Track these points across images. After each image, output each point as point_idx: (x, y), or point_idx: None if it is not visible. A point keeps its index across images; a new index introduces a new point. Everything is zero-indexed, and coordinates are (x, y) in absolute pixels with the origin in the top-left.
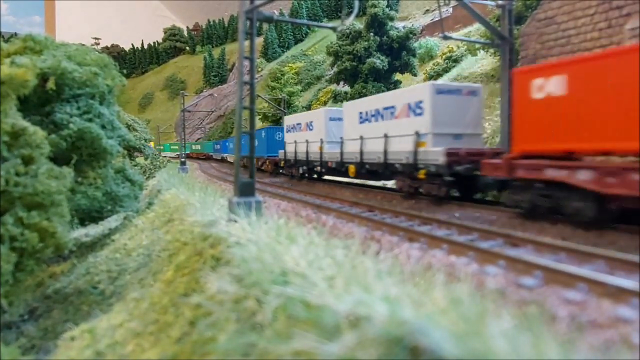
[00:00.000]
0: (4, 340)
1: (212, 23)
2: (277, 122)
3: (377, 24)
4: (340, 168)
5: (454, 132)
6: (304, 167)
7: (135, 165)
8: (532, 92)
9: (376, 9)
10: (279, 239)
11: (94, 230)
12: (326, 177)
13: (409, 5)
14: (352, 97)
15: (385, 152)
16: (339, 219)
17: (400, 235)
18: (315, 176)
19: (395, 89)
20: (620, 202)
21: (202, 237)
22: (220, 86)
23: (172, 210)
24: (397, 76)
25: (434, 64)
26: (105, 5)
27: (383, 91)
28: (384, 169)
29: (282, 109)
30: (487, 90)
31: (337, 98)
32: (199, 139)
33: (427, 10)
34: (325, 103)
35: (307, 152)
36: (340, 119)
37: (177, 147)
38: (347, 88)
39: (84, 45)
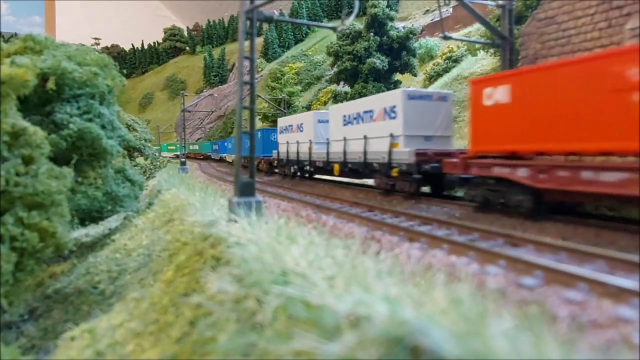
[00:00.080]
0: (4, 340)
1: (212, 23)
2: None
3: (377, 24)
4: (327, 167)
5: (424, 134)
6: (295, 167)
7: (135, 166)
8: (483, 99)
9: (376, 9)
10: (279, 239)
11: (94, 230)
12: (323, 176)
13: (409, 6)
14: (353, 97)
15: (365, 152)
16: (339, 219)
17: (400, 235)
18: (306, 175)
19: (395, 89)
20: (551, 195)
21: (203, 237)
22: (220, 86)
23: (172, 210)
24: (397, 76)
25: (434, 64)
26: (106, 6)
27: (383, 91)
28: (364, 168)
29: (282, 109)
30: None
31: (337, 98)
32: (199, 139)
33: (427, 10)
34: (325, 103)
35: (297, 152)
36: (327, 121)
37: (174, 147)
38: (347, 88)
39: (84, 45)
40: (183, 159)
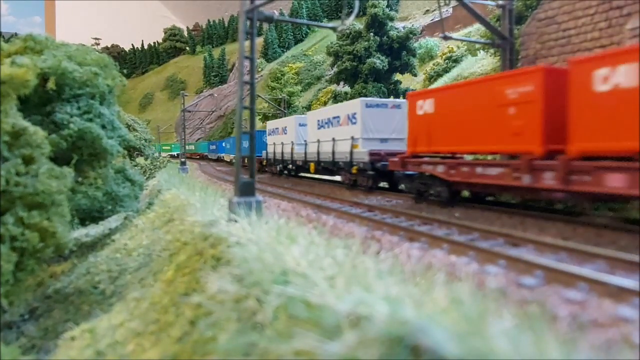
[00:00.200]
0: (4, 340)
1: (212, 23)
2: None
3: (377, 24)
4: (305, 165)
5: (380, 137)
6: (280, 165)
7: (135, 166)
8: (417, 110)
9: (376, 9)
10: (280, 239)
11: (94, 230)
12: (307, 175)
13: (409, 6)
14: (353, 97)
15: (333, 153)
16: (339, 218)
17: (400, 235)
18: (292, 173)
19: (395, 89)
20: (459, 186)
21: (203, 237)
22: (220, 86)
23: (172, 210)
24: (397, 76)
25: (434, 64)
26: (106, 6)
27: (383, 91)
28: (333, 166)
29: (282, 109)
30: None
31: (337, 98)
32: (199, 139)
33: (427, 10)
34: (325, 103)
35: (282, 153)
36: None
37: (169, 147)
38: (347, 88)
39: (84, 45)
40: (183, 159)
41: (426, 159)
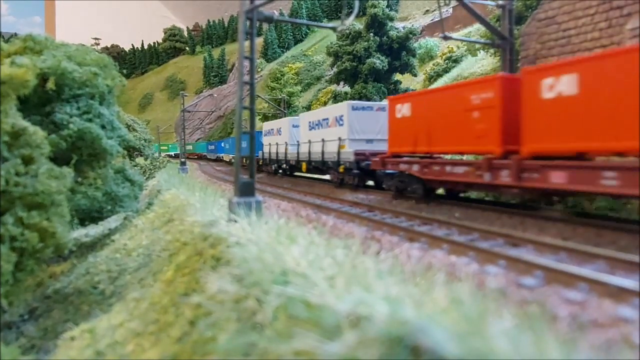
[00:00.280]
0: (4, 340)
1: (212, 23)
2: None
3: (377, 25)
4: (297, 165)
5: (365, 138)
6: (275, 165)
7: (135, 166)
8: (396, 113)
9: (376, 9)
10: (280, 239)
11: (94, 230)
12: (302, 174)
13: (408, 6)
14: (352, 98)
15: (323, 153)
16: (339, 219)
17: (400, 235)
18: (287, 172)
19: (395, 89)
20: (432, 183)
21: (202, 237)
22: (220, 86)
23: (172, 211)
24: (397, 76)
25: (434, 64)
26: (106, 6)
27: (383, 91)
28: (322, 165)
29: (282, 109)
30: None
31: (337, 98)
32: (199, 139)
33: (427, 10)
34: (325, 103)
35: (277, 153)
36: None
37: (166, 148)
38: (347, 88)
39: (84, 45)
40: (183, 159)
41: (405, 158)
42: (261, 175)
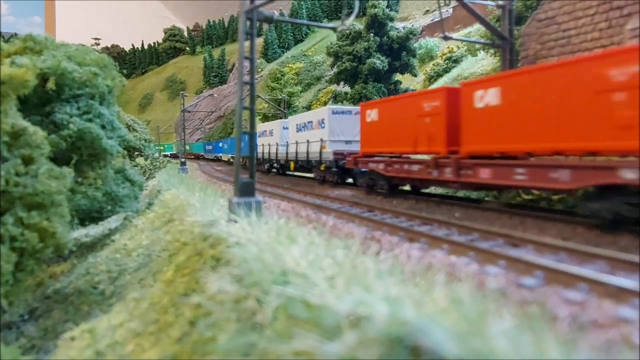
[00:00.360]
0: (4, 340)
1: (212, 23)
2: None
3: (377, 25)
4: (286, 164)
5: (345, 139)
6: (268, 164)
7: (135, 166)
8: (366, 117)
9: (376, 9)
10: (279, 239)
11: (94, 230)
12: (296, 173)
13: (409, 6)
14: (353, 98)
15: (307, 152)
16: (339, 219)
17: (400, 235)
18: (280, 171)
19: (395, 89)
20: (395, 180)
21: (202, 237)
22: (220, 87)
23: (172, 211)
24: (397, 77)
25: (434, 65)
26: (106, 6)
27: (383, 91)
28: (307, 164)
29: (282, 109)
30: None
31: (337, 98)
32: (199, 139)
33: (427, 10)
34: (325, 103)
35: (269, 153)
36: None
37: (162, 148)
38: (347, 88)
39: (84, 45)
40: (183, 159)
41: (376, 158)
42: (257, 173)
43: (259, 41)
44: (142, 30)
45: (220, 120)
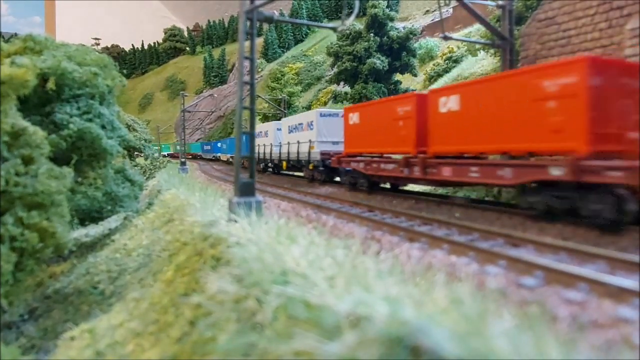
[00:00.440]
0: (4, 340)
1: (212, 23)
2: None
3: (377, 25)
4: (279, 163)
5: (332, 140)
6: (263, 164)
7: (135, 166)
8: (349, 120)
9: (376, 9)
10: (280, 239)
11: (94, 230)
12: (293, 173)
13: (409, 6)
14: (353, 98)
15: (298, 153)
16: (339, 219)
17: (400, 235)
18: (274, 170)
19: (395, 89)
20: (374, 178)
21: (202, 237)
22: (220, 87)
23: (172, 211)
24: (398, 77)
25: (434, 65)
26: (106, 6)
27: (383, 91)
28: (297, 163)
29: (282, 109)
30: None
31: (338, 98)
32: (199, 139)
33: (427, 10)
34: (325, 103)
35: (264, 153)
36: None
37: (159, 148)
38: (347, 88)
39: (84, 45)
40: (183, 159)
41: (357, 158)
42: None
43: (259, 41)
44: (142, 30)
45: (220, 120)
